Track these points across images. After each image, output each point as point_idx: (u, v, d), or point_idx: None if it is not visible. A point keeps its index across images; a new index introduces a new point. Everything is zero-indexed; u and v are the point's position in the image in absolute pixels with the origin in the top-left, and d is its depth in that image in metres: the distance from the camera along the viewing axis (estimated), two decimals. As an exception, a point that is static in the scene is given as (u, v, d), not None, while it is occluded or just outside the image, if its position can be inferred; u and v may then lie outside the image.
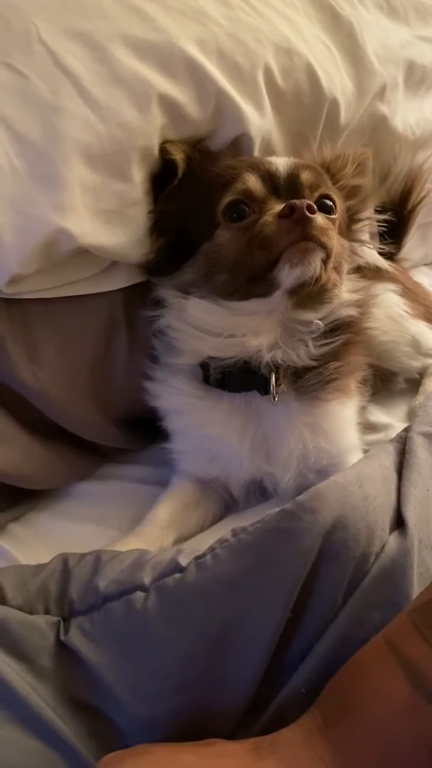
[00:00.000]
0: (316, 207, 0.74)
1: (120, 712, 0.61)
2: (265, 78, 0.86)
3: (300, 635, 0.62)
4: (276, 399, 0.81)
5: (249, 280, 0.77)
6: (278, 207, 0.75)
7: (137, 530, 0.87)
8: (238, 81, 0.83)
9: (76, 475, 0.95)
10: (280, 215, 0.74)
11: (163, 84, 0.79)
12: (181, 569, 0.64)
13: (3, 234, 0.72)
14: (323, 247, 0.75)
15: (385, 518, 0.68)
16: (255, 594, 0.62)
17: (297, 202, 0.73)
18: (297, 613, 0.62)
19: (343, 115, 0.97)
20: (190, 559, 0.65)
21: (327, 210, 0.80)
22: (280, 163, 0.80)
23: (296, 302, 0.79)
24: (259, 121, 0.85)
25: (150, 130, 0.78)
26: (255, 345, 0.79)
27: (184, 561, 0.65)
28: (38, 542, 0.88)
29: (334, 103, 0.94)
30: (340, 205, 0.84)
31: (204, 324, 0.81)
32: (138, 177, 0.80)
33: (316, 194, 0.81)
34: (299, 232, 0.73)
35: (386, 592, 0.63)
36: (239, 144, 0.86)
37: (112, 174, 0.77)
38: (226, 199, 0.78)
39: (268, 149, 0.89)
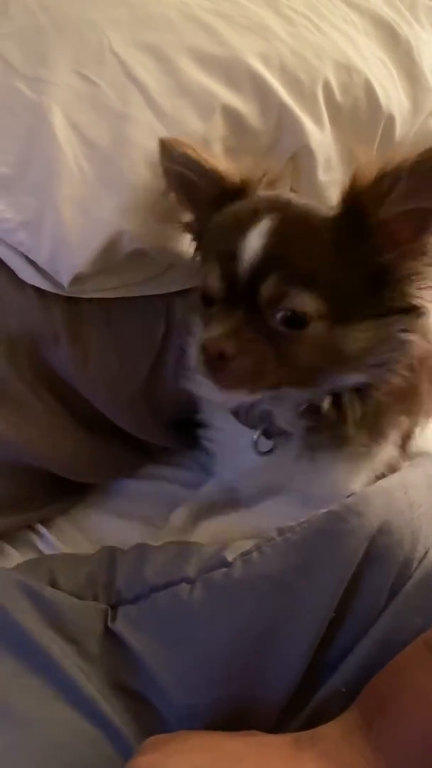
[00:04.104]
0: (234, 353, 0.65)
1: (163, 699, 0.62)
2: (324, 93, 0.88)
3: (342, 635, 0.63)
4: (271, 449, 0.77)
5: None
6: (224, 322, 0.67)
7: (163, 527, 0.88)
8: (298, 95, 0.85)
9: (122, 472, 0.97)
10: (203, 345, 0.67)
11: (227, 95, 0.81)
12: (227, 564, 0.66)
13: (70, 234, 0.75)
14: (249, 382, 0.68)
15: (429, 525, 0.68)
16: (300, 593, 0.63)
17: (209, 345, 0.65)
18: (340, 614, 0.63)
19: (399, 131, 0.98)
20: (236, 555, 0.66)
21: (293, 323, 0.66)
22: (246, 260, 0.65)
23: None
24: (319, 135, 0.87)
25: (212, 139, 0.81)
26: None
27: (230, 556, 0.66)
28: (83, 536, 0.91)
29: (390, 119, 0.96)
30: (319, 307, 0.65)
31: None
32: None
33: (278, 309, 0.66)
34: (214, 374, 0.67)
35: (428, 597, 0.64)
36: (299, 158, 0.88)
37: (174, 180, 0.80)
38: (201, 286, 0.73)
39: (327, 163, 0.90)
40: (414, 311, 0.68)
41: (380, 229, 0.65)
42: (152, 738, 0.55)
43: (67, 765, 0.58)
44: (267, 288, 0.65)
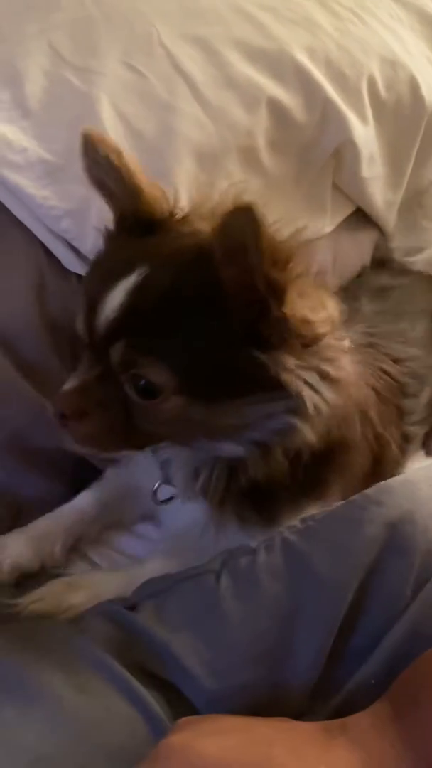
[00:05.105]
0: (77, 414, 0.61)
1: (191, 686, 0.63)
2: (368, 88, 0.89)
3: (365, 624, 0.64)
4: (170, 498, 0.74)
5: None
6: (80, 376, 0.62)
7: None
8: (343, 90, 0.86)
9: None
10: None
11: (273, 88, 0.82)
12: (251, 551, 0.67)
13: None
14: (96, 443, 0.64)
15: None
16: (320, 578, 0.64)
17: (57, 399, 0.62)
18: (362, 601, 0.64)
19: (442, 128, 0.98)
20: (259, 542, 0.68)
21: (145, 392, 0.59)
22: (104, 317, 0.59)
23: None
24: (362, 130, 0.87)
25: (257, 131, 0.82)
26: None
27: (253, 543, 0.68)
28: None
29: (434, 116, 0.96)
30: (170, 381, 0.58)
31: None
32: (240, 176, 0.83)
33: (127, 374, 0.59)
34: (61, 427, 0.62)
35: None
36: (343, 152, 0.88)
37: (218, 172, 0.81)
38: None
39: (370, 159, 0.91)
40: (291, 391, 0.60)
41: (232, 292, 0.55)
42: (183, 719, 0.56)
43: (101, 743, 0.58)
44: (115, 352, 0.59)
